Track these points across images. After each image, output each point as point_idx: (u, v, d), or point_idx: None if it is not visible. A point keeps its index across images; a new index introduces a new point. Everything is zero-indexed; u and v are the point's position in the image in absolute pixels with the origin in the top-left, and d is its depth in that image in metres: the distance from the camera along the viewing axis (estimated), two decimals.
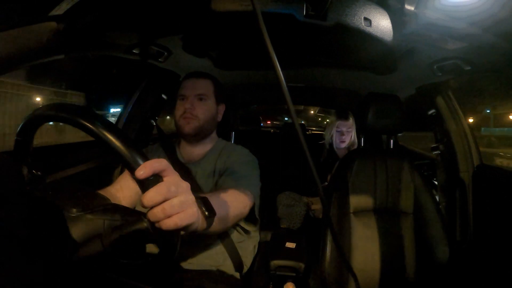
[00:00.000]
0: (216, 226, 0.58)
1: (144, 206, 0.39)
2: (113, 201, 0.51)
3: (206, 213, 0.51)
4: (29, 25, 0.57)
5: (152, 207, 0.39)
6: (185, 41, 1.03)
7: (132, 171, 0.39)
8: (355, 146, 1.76)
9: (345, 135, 1.74)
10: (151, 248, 0.51)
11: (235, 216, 0.74)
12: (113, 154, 0.39)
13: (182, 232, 0.45)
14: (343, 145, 1.75)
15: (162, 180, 0.40)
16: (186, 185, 0.43)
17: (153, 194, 0.39)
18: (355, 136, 1.77)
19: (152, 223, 0.41)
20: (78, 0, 0.57)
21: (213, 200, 0.54)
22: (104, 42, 0.88)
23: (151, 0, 0.72)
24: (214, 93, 1.02)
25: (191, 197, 0.44)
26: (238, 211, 0.76)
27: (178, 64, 1.23)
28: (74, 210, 0.46)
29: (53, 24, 0.61)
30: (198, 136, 0.99)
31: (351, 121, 1.77)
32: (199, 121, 0.96)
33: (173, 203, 0.40)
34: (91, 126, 0.39)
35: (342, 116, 1.78)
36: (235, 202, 0.75)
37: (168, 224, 0.40)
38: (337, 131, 1.77)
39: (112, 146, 0.39)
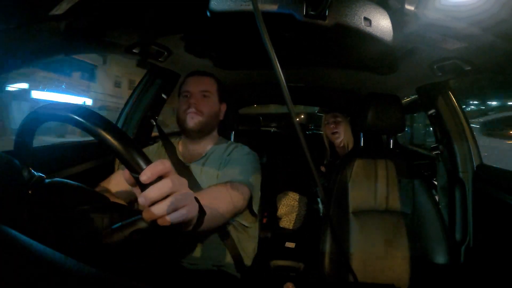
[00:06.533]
0: (208, 224, 0.57)
1: (145, 202, 0.39)
2: (109, 197, 0.51)
3: None
4: (29, 25, 0.57)
5: (153, 204, 0.39)
6: (185, 41, 1.03)
7: (134, 172, 0.39)
8: (352, 143, 1.76)
9: (333, 125, 1.76)
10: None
11: (229, 211, 0.73)
12: (115, 156, 0.39)
13: (188, 228, 0.46)
14: (338, 138, 1.75)
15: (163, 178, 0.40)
16: (185, 181, 0.44)
17: (159, 189, 0.39)
18: (350, 133, 1.77)
19: (152, 221, 0.41)
20: (78, 0, 0.57)
21: (204, 198, 0.53)
22: (104, 42, 0.88)
23: (151, 0, 0.72)
24: (217, 91, 1.03)
25: (191, 192, 0.45)
26: (232, 206, 0.74)
27: (178, 63, 1.23)
28: (74, 209, 0.46)
29: (53, 24, 0.61)
30: (201, 133, 1.00)
31: (337, 113, 1.79)
32: (204, 116, 0.98)
33: (179, 197, 0.40)
34: (92, 127, 0.39)
35: (326, 111, 1.86)
36: (228, 197, 0.74)
37: (175, 217, 0.40)
38: (327, 125, 1.80)
39: (114, 148, 0.38)
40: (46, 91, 7.20)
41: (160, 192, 0.39)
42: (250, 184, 0.86)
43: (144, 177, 0.38)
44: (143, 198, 0.39)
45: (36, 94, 6.77)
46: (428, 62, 1.03)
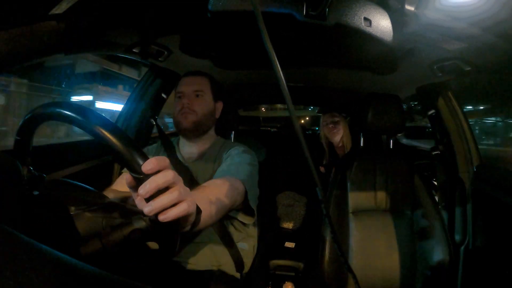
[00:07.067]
0: (205, 221, 0.57)
1: (147, 191, 0.39)
2: (109, 198, 0.51)
3: None
4: (29, 24, 0.57)
5: (152, 198, 0.39)
6: (185, 41, 1.03)
7: (132, 170, 0.39)
8: (350, 143, 1.76)
9: (332, 125, 1.77)
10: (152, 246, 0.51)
11: (224, 205, 0.71)
12: (113, 154, 0.39)
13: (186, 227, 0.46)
14: (337, 138, 1.76)
15: None
16: (181, 179, 0.44)
17: (159, 178, 0.39)
18: (349, 133, 1.78)
19: (152, 219, 0.41)
20: (78, 0, 0.57)
21: (198, 195, 0.53)
22: (104, 42, 0.88)
23: (151, 0, 0.72)
24: (211, 89, 1.03)
25: (187, 189, 0.45)
26: (226, 200, 0.72)
27: (178, 63, 1.23)
28: (73, 208, 0.46)
29: (53, 24, 0.61)
30: (196, 132, 1.00)
31: (335, 113, 1.80)
32: (197, 115, 0.98)
33: (179, 191, 0.41)
34: (91, 126, 0.39)
35: (323, 111, 1.87)
36: (221, 191, 0.72)
37: (176, 211, 0.40)
38: (325, 126, 1.81)
39: (112, 146, 0.39)
40: (105, 101, 8.76)
41: (161, 181, 0.39)
42: (244, 179, 0.84)
43: (146, 167, 0.38)
44: (143, 189, 0.38)
45: (99, 104, 8.43)
46: (428, 62, 1.03)
